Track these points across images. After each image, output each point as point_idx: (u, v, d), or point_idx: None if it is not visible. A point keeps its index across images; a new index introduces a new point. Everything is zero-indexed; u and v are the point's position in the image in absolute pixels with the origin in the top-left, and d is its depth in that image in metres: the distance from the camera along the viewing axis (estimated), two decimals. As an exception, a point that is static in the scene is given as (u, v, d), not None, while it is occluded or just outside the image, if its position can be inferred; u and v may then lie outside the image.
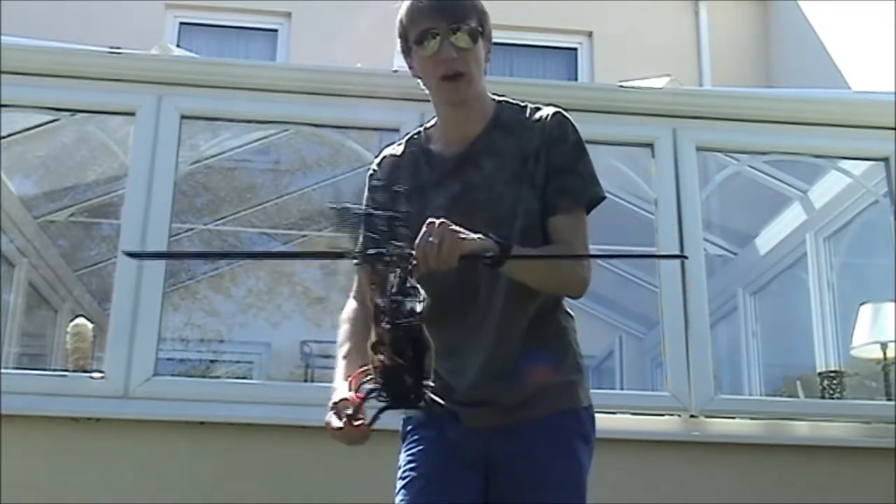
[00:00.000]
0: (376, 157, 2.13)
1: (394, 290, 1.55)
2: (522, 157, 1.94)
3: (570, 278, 1.89)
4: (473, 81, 1.94)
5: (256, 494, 3.41)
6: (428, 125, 2.08)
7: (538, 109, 2.00)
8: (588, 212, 1.96)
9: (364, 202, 2.04)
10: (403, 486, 1.93)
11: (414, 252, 1.60)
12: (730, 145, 4.19)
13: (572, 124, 1.98)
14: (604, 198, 1.97)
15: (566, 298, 2.00)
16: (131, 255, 1.49)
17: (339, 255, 1.68)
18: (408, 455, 1.97)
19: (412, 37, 1.94)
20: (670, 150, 3.97)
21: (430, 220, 1.67)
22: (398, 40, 2.00)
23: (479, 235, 1.71)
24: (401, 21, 1.96)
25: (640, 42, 8.16)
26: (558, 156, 1.93)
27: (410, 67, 2.01)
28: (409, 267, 1.58)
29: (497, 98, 2.04)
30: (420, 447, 1.95)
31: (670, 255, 1.57)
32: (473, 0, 1.96)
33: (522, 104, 2.03)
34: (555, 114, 1.98)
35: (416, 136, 2.08)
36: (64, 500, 3.34)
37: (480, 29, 1.94)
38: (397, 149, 2.08)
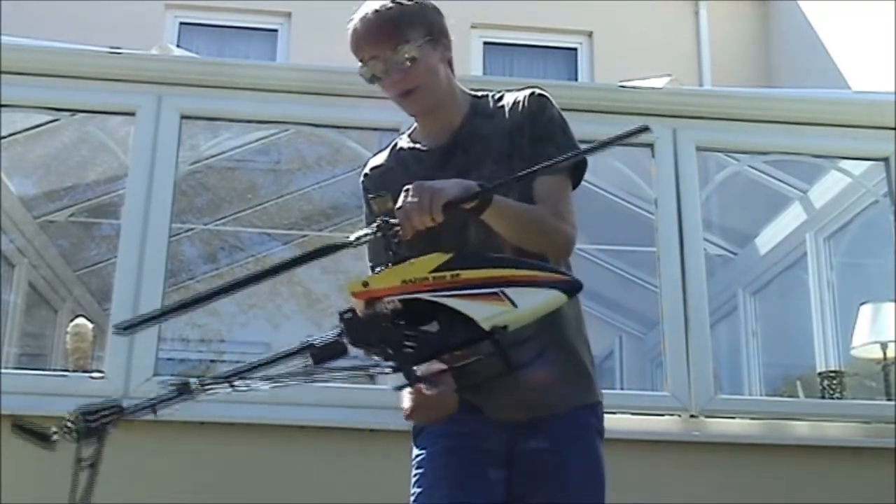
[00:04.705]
0: (362, 167, 2.12)
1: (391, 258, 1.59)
2: (508, 133, 1.94)
3: (554, 233, 1.87)
4: (430, 90, 1.94)
5: (256, 494, 3.41)
6: (408, 130, 2.09)
7: (517, 91, 2.01)
8: (576, 180, 1.94)
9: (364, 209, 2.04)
10: (422, 487, 1.88)
11: (396, 219, 1.61)
12: (730, 145, 4.19)
13: (551, 101, 1.98)
14: (586, 161, 1.95)
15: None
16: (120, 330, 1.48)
17: (328, 251, 1.67)
18: (425, 453, 1.91)
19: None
20: (670, 150, 3.96)
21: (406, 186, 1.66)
22: None
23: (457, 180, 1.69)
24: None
25: (640, 42, 8.17)
26: (537, 127, 1.94)
27: None
28: (396, 232, 1.60)
29: (471, 92, 2.05)
30: (438, 445, 1.90)
31: (633, 131, 1.55)
32: (409, 9, 1.91)
33: (498, 92, 2.05)
34: (533, 92, 1.99)
35: (398, 141, 2.09)
36: (64, 500, 3.34)
37: (428, 36, 1.92)
38: (381, 156, 2.08)
